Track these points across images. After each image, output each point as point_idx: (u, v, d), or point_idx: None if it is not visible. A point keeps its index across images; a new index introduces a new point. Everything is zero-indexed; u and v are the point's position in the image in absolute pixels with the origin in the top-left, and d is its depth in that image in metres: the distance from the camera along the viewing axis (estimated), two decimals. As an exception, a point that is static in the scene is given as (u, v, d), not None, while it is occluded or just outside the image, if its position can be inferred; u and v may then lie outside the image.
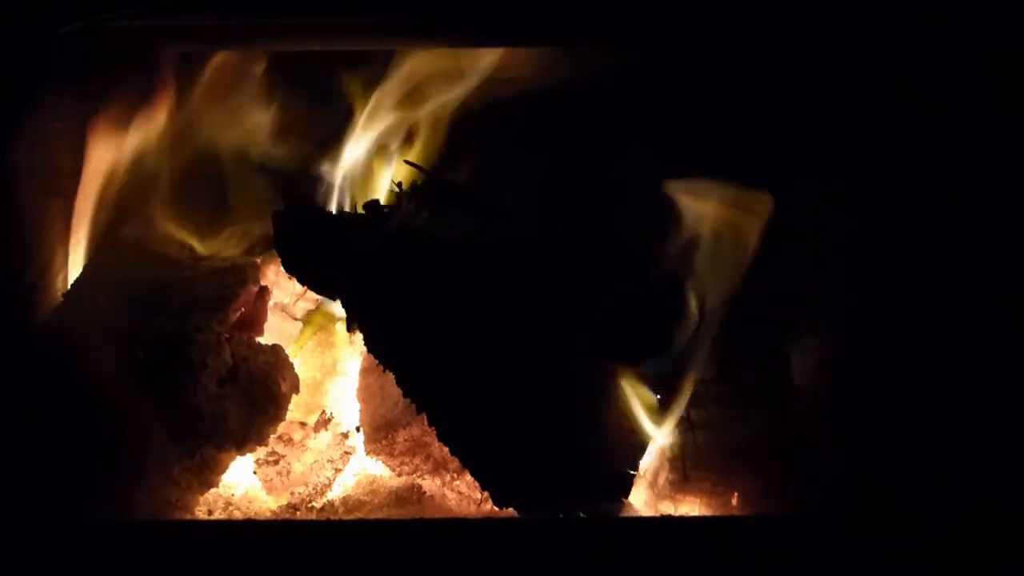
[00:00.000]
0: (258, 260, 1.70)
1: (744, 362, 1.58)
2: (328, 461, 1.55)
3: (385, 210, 1.69)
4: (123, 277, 1.62)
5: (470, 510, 1.49)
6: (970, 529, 1.17)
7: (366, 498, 1.53)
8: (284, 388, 1.57)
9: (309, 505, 1.50)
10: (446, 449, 1.39)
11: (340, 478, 1.55)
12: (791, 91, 1.64)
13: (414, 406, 1.41)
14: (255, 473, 1.54)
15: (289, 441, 1.56)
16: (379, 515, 1.49)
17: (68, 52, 1.48)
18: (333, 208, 1.75)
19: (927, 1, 1.35)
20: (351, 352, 1.72)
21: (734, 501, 1.47)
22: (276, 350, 1.62)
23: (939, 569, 1.16)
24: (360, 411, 1.59)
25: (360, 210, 1.72)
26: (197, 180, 1.78)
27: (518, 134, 1.79)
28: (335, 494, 1.53)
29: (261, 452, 1.55)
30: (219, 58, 1.71)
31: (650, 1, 1.49)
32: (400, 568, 1.18)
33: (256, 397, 1.53)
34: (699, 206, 1.54)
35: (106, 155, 1.68)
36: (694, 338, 1.50)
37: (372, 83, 1.74)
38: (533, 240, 1.62)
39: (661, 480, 1.48)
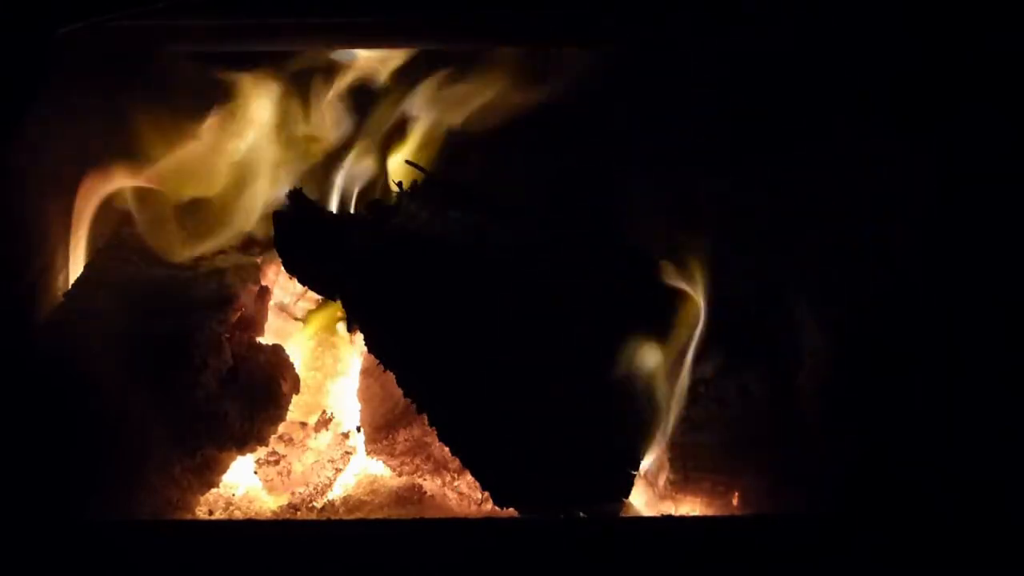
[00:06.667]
0: (258, 260, 1.70)
1: (744, 362, 1.57)
2: (329, 461, 1.55)
3: (386, 210, 1.69)
4: (123, 277, 1.62)
5: (470, 510, 1.49)
6: (971, 529, 1.17)
7: (367, 498, 1.53)
8: (285, 388, 1.57)
9: (310, 505, 1.50)
10: (447, 449, 1.39)
11: (341, 478, 1.55)
12: (789, 93, 1.64)
13: (415, 406, 1.41)
14: (256, 473, 1.54)
15: (290, 441, 1.56)
16: (380, 515, 1.49)
17: (68, 52, 1.48)
18: (334, 208, 1.75)
19: (925, 4, 1.35)
20: (351, 352, 1.72)
21: (734, 501, 1.47)
22: (276, 350, 1.62)
23: (939, 569, 1.16)
24: (361, 411, 1.59)
25: (361, 210, 1.72)
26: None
27: (519, 134, 1.79)
28: (336, 494, 1.53)
29: (262, 452, 1.54)
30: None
31: (651, 3, 1.49)
32: (400, 568, 1.18)
33: (256, 397, 1.53)
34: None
35: (106, 155, 1.68)
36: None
37: (374, 83, 1.74)
38: (533, 240, 1.62)
39: (661, 480, 1.48)
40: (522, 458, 1.36)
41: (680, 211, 1.63)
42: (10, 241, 1.51)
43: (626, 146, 1.78)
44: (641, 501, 1.46)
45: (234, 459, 1.51)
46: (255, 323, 1.65)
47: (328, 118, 1.77)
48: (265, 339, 1.65)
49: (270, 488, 1.53)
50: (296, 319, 1.74)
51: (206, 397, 1.47)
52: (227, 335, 1.55)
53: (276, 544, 1.21)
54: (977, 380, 1.27)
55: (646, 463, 1.45)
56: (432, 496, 1.53)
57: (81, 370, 1.40)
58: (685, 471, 1.48)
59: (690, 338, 1.49)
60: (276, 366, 1.59)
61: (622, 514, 1.36)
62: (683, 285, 1.52)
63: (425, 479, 1.52)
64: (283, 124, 1.76)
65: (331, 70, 1.76)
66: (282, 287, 1.74)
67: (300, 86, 1.76)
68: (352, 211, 1.75)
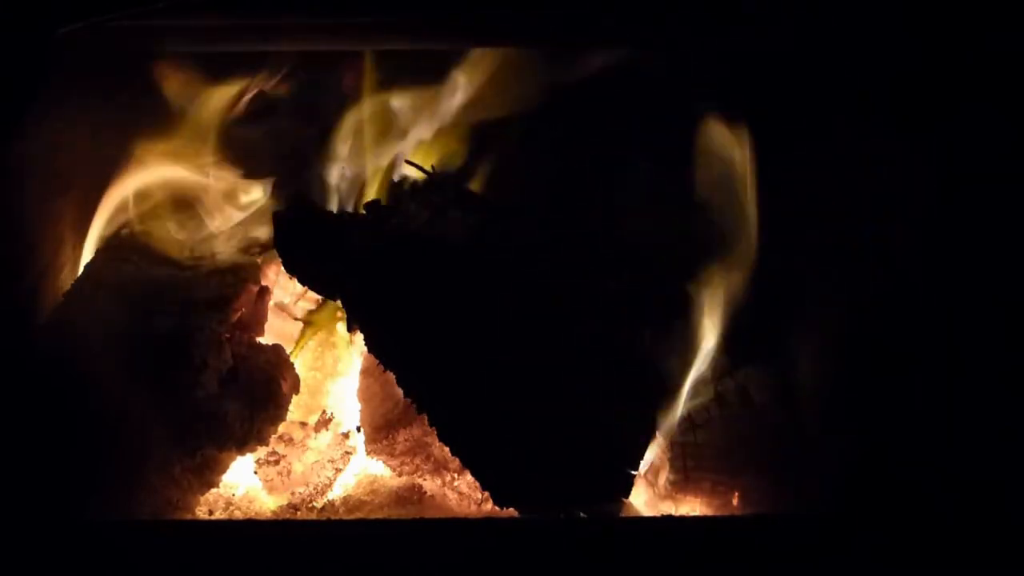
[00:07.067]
0: (258, 260, 1.70)
1: (744, 362, 1.57)
2: (329, 461, 1.55)
3: (386, 210, 1.69)
4: (123, 277, 1.62)
5: (470, 510, 1.49)
6: (971, 529, 1.17)
7: (367, 498, 1.53)
8: (284, 388, 1.58)
9: (310, 505, 1.50)
10: (447, 449, 1.39)
11: (341, 478, 1.55)
12: (789, 93, 1.64)
13: (414, 406, 1.41)
14: (256, 473, 1.54)
15: (290, 441, 1.56)
16: (380, 515, 1.49)
17: (68, 52, 1.48)
18: (334, 208, 1.75)
19: (925, 4, 1.35)
20: (351, 352, 1.72)
21: (734, 501, 1.47)
22: (276, 350, 1.62)
23: (939, 569, 1.16)
24: (361, 411, 1.59)
25: (361, 210, 1.72)
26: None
27: (520, 134, 1.79)
28: (336, 494, 1.53)
29: (262, 452, 1.55)
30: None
31: (651, 3, 1.49)
32: (400, 568, 1.18)
33: (256, 397, 1.53)
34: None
35: (106, 155, 1.68)
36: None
37: (377, 83, 1.74)
38: (534, 240, 1.62)
39: (661, 480, 1.48)
40: (522, 458, 1.36)
41: (680, 211, 1.63)
42: (10, 241, 1.51)
43: (626, 146, 1.78)
44: (641, 501, 1.46)
45: (234, 459, 1.51)
46: (255, 323, 1.65)
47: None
48: (265, 339, 1.65)
49: (270, 488, 1.53)
50: (296, 319, 1.74)
51: (206, 397, 1.47)
52: (227, 335, 1.55)
53: (276, 544, 1.20)
54: (977, 380, 1.27)
55: (646, 463, 1.45)
56: (432, 496, 1.53)
57: (81, 370, 1.40)
58: (685, 471, 1.48)
59: (691, 338, 1.49)
60: (276, 366, 1.59)
61: (622, 514, 1.36)
62: (684, 284, 1.52)
63: (425, 479, 1.52)
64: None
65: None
66: (282, 287, 1.74)
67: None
68: (353, 211, 1.74)
